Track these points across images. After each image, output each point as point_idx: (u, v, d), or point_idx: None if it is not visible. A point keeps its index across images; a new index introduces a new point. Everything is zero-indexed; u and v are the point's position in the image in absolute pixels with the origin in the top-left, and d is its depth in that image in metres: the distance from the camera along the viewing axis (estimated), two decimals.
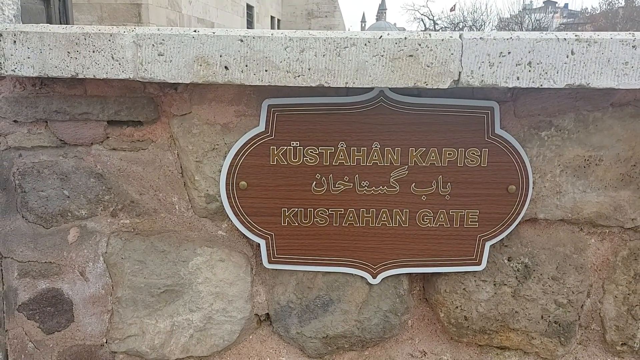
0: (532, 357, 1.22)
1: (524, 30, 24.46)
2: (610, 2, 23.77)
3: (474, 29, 29.74)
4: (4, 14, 1.14)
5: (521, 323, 1.19)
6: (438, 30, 31.61)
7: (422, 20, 33.49)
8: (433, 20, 32.68)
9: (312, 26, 23.16)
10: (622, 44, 0.94)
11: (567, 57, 0.95)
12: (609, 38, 0.94)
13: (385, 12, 46.37)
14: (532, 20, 27.33)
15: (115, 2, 8.55)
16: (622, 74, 0.95)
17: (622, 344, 1.20)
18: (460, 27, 30.21)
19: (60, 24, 2.25)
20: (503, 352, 1.22)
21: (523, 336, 1.20)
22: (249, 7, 17.22)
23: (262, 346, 1.22)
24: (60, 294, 1.18)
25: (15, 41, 0.98)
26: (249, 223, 1.13)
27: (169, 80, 0.98)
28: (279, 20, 22.51)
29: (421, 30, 0.97)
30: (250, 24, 17.36)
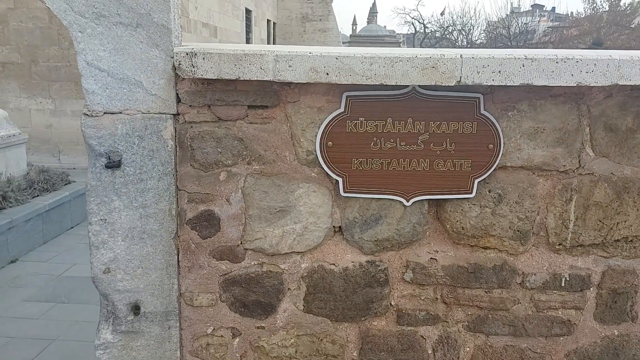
0: (503, 254, 1.95)
1: (510, 34, 25.30)
2: (595, 6, 24.66)
3: (463, 32, 30.54)
4: (177, 40, 1.85)
5: (497, 231, 1.92)
6: (428, 33, 32.35)
7: (412, 24, 34.25)
8: (423, 24, 33.45)
9: (306, 29, 23.75)
10: (551, 60, 1.67)
11: (520, 67, 1.68)
12: (543, 57, 1.67)
13: (376, 16, 46.92)
14: (520, 24, 28.17)
15: None
16: (551, 77, 1.68)
17: (558, 244, 1.94)
18: (450, 30, 31.03)
19: None
20: (485, 250, 1.95)
21: (498, 240, 1.93)
22: (248, 11, 17.85)
23: (336, 247, 1.94)
24: (212, 213, 1.89)
25: (204, 58, 1.70)
26: (332, 167, 1.85)
27: (294, 81, 1.70)
28: (274, 23, 23.04)
29: (438, 51, 1.65)
30: (248, 27, 17.97)
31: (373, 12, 46.46)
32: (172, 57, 1.74)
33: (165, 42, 1.74)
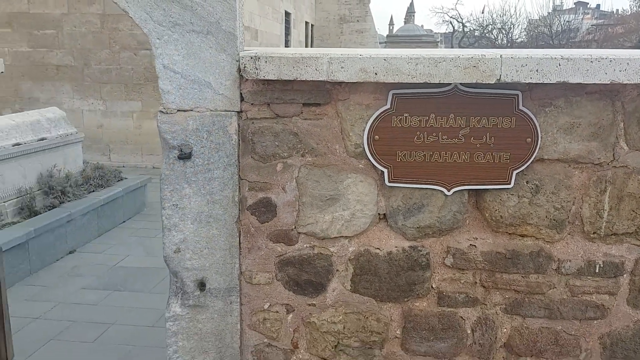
0: (540, 242, 2.07)
1: (552, 32, 24.74)
2: None
3: (503, 31, 30.03)
4: (241, 45, 2.06)
5: (534, 220, 2.05)
6: (467, 32, 31.97)
7: (450, 22, 33.91)
8: (462, 22, 33.08)
9: (344, 30, 23.91)
10: (585, 60, 1.80)
11: (557, 67, 1.81)
12: (578, 57, 1.79)
13: (413, 15, 46.55)
14: (562, 22, 27.47)
15: None
16: (585, 75, 1.81)
17: (593, 233, 2.05)
18: (489, 29, 30.55)
19: None
20: (523, 238, 2.08)
21: (535, 228, 2.05)
22: (287, 14, 18.17)
23: (380, 233, 2.11)
24: (270, 201, 2.09)
25: (266, 61, 1.90)
26: (378, 159, 2.02)
27: (345, 80, 1.88)
28: (312, 25, 23.30)
29: (479, 52, 1.80)
30: (287, 30, 18.29)
31: (410, 12, 46.11)
32: (238, 61, 1.95)
33: (232, 47, 1.96)
